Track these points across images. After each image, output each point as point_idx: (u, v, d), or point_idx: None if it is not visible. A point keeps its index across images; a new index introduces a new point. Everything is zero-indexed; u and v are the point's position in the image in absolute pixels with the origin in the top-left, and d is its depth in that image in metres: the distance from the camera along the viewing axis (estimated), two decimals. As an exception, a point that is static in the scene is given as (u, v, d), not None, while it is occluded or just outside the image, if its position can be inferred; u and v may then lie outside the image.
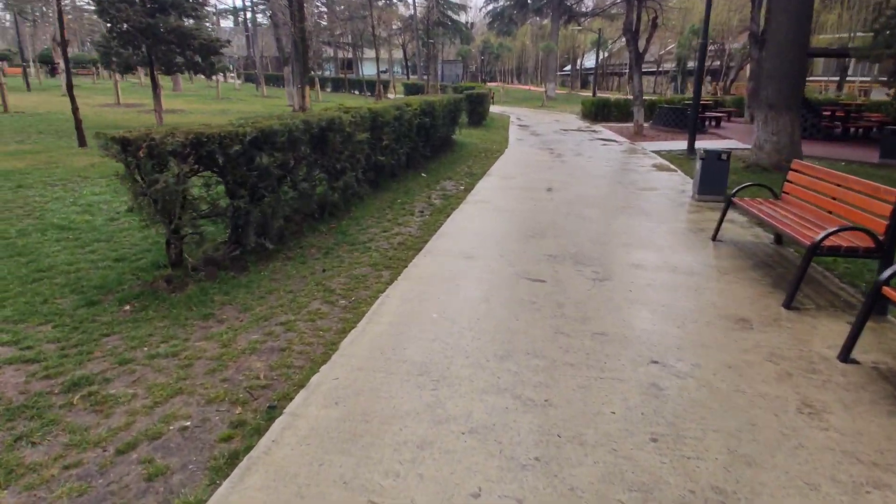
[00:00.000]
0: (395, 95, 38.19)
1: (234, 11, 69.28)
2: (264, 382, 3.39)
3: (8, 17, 56.45)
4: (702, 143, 15.56)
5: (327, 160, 6.86)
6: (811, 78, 37.10)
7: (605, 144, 16.22)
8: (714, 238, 6.62)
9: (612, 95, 31.62)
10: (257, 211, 5.28)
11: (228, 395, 3.25)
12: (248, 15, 62.71)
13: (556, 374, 3.45)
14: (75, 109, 11.47)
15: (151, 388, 3.32)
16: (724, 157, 8.80)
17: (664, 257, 5.86)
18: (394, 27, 52.52)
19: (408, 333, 3.98)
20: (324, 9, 52.71)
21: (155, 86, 16.81)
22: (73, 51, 55.15)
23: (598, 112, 24.25)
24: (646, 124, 20.30)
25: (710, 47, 41.23)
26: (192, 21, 16.72)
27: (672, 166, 12.22)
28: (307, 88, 19.71)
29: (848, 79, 36.47)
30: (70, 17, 38.30)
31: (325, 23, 53.45)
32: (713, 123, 20.49)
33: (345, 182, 7.11)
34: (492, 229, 6.85)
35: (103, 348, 3.80)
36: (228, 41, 17.62)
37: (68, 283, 4.83)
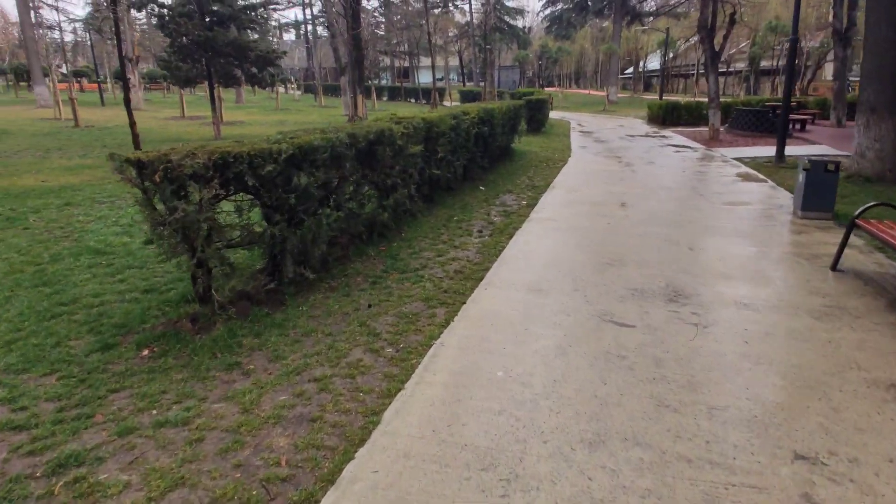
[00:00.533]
0: (451, 103, 37.65)
1: (297, 25, 71.00)
2: (286, 472, 2.65)
3: (88, 35, 59.93)
4: (791, 150, 14.05)
5: (377, 176, 6.17)
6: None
7: (678, 151, 14.92)
8: (834, 267, 5.48)
9: (682, 98, 29.81)
10: (296, 237, 4.63)
11: (239, 490, 2.54)
12: (309, 28, 64.18)
13: (669, 475, 2.54)
14: (132, 124, 11.39)
15: (149, 474, 2.65)
16: (831, 168, 7.56)
17: (778, 293, 4.80)
18: (450, 34, 52.14)
19: (467, 401, 3.17)
20: (381, 19, 53.00)
21: (213, 98, 16.82)
22: (147, 67, 57.89)
23: (667, 116, 22.73)
24: (721, 128, 18.73)
25: (784, 46, 38.50)
26: (250, 33, 16.63)
27: (760, 176, 10.89)
28: (361, 98, 19.34)
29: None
30: (140, 34, 39.98)
31: (381, 32, 53.78)
32: (797, 127, 18.65)
33: (395, 200, 6.40)
34: (562, 254, 5.95)
35: (107, 409, 3.19)
36: (285, 52, 17.47)
37: (88, 321, 4.31)
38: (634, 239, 6.45)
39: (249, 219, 4.47)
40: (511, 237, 6.65)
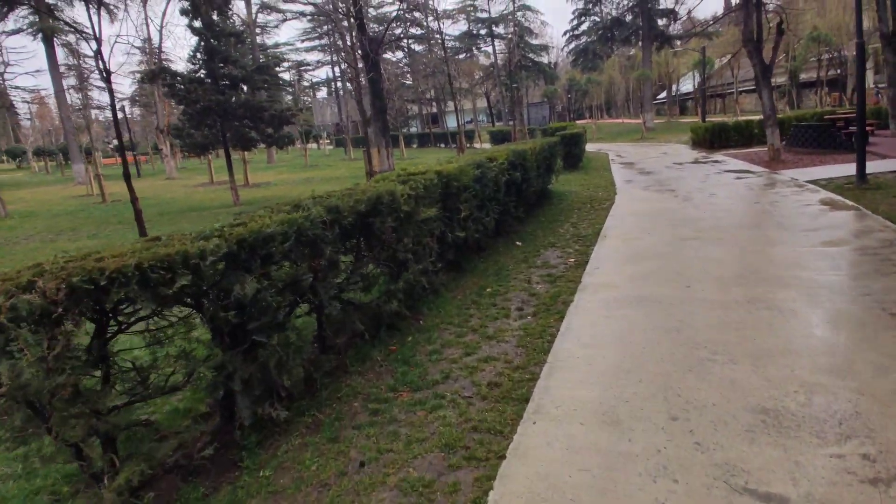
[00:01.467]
0: (481, 145, 36.61)
1: (327, 82, 72.56)
2: None
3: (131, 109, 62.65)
4: (868, 167, 12.01)
5: (379, 254, 4.70)
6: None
7: (739, 178, 13.03)
8: None
9: (728, 118, 27.75)
10: (254, 366, 3.15)
11: None
12: (339, 83, 65.30)
13: None
14: (134, 199, 10.40)
15: None
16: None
17: None
18: (476, 76, 51.71)
19: None
20: (406, 68, 53.20)
21: (230, 163, 16.00)
22: (186, 135, 59.62)
23: (714, 139, 20.79)
24: (779, 147, 16.71)
25: (825, 56, 36.24)
26: (264, 93, 15.89)
27: (848, 202, 8.92)
28: (379, 150, 18.25)
29: None
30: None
31: (408, 82, 53.91)
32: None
33: (408, 280, 4.89)
34: (637, 347, 4.25)
35: None
36: (301, 110, 16.65)
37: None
38: (733, 313, 4.70)
39: (183, 346, 3.02)
40: (562, 318, 5.00)
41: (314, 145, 56.53)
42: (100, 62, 10.87)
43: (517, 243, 8.33)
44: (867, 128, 16.90)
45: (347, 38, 21.99)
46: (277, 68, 62.40)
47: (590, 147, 26.84)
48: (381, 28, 29.46)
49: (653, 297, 5.29)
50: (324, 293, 3.71)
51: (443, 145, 42.34)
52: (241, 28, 36.21)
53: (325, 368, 4.09)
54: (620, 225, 8.94)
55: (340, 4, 21.74)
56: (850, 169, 12.26)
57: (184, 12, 14.39)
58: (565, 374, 3.89)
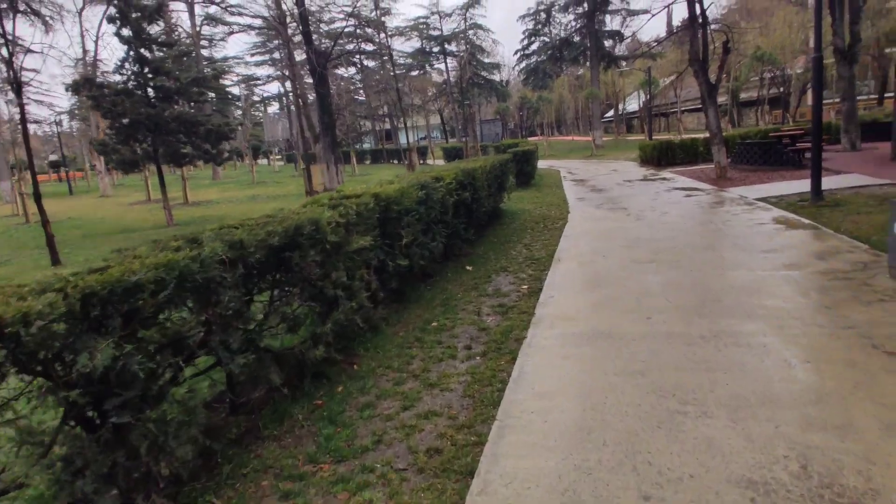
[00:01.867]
0: (434, 161, 36.24)
1: (279, 97, 70.97)
2: None
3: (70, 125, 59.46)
4: (809, 184, 12.12)
5: (305, 291, 4.01)
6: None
7: (689, 195, 12.94)
8: None
9: (673, 136, 28.29)
10: (121, 455, 2.40)
11: None
12: (290, 99, 63.82)
13: None
14: (45, 223, 9.31)
15: None
16: (940, 211, 5.46)
17: None
18: (429, 93, 51.50)
19: None
20: (359, 84, 52.50)
21: (162, 180, 14.88)
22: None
23: (661, 156, 20.99)
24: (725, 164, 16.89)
25: (769, 74, 37.76)
26: (210, 108, 14.88)
27: (804, 220, 8.81)
28: (325, 167, 17.50)
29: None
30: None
31: (361, 97, 53.18)
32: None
33: (337, 321, 4.20)
34: (598, 396, 3.69)
35: None
36: (241, 124, 15.73)
37: None
38: (700, 350, 4.23)
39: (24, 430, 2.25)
40: (514, 359, 4.42)
41: (264, 161, 54.94)
42: (11, 72, 9.80)
43: (467, 268, 7.76)
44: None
45: (296, 52, 21.20)
46: (225, 82, 60.57)
47: (542, 164, 26.80)
48: (331, 42, 28.76)
49: (612, 331, 4.77)
50: (222, 349, 2.99)
51: (396, 161, 41.82)
52: (181, 38, 34.79)
53: (229, 436, 3.35)
54: (574, 246, 8.51)
55: (288, 17, 20.96)
56: (799, 186, 12.35)
57: (111, 20, 13.34)
58: (517, 435, 3.29)
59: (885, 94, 32.13)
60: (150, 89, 14.14)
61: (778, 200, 10.94)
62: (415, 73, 56.71)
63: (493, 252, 8.70)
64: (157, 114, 13.80)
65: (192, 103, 14.81)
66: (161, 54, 14.36)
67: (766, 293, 5.42)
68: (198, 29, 38.33)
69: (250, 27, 39.92)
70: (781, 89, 36.98)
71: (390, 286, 6.00)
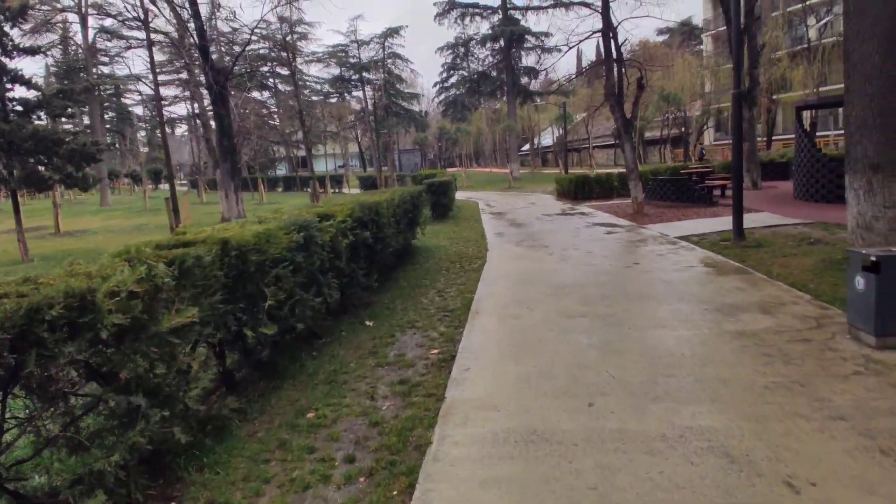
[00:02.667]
0: (349, 190, 34.64)
1: (188, 119, 66.68)
2: None
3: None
4: (725, 220, 11.88)
5: (64, 400, 2.43)
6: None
7: (609, 232, 12.29)
8: None
9: (590, 172, 28.51)
10: None
11: None
12: (198, 121, 59.91)
13: None
14: None
15: None
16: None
17: None
18: (348, 120, 50.00)
19: None
20: (273, 108, 50.16)
21: (17, 207, 12.37)
22: None
23: (578, 190, 20.72)
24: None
25: (670, 116, 39.71)
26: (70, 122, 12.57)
27: (731, 262, 8.19)
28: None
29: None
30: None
31: (276, 122, 50.74)
32: (718, 193, 17.04)
33: (134, 444, 2.63)
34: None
35: None
36: (111, 144, 13.52)
37: None
38: (667, 463, 3.04)
39: None
40: (412, 484, 3.03)
41: (166, 186, 50.78)
42: None
43: (367, 323, 6.32)
44: (721, 181, 17.59)
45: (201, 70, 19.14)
46: (126, 101, 55.86)
47: (460, 195, 26.02)
48: (233, 60, 26.71)
49: (547, 430, 3.50)
50: None
51: (309, 189, 39.62)
52: (77, 51, 31.34)
53: None
54: (494, 294, 7.31)
55: (188, 33, 18.94)
56: (715, 224, 12.04)
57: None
58: None
59: (773, 137, 34.45)
60: (3, 101, 11.74)
61: (700, 239, 10.44)
62: (333, 99, 55.09)
63: (401, 300, 7.33)
64: (10, 130, 11.43)
65: (67, 119, 12.46)
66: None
67: (721, 362, 4.41)
68: (90, 42, 34.80)
69: (151, 43, 36.87)
70: (683, 129, 38.93)
71: (256, 358, 4.48)
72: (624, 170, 17.95)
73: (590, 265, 8.68)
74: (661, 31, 56.01)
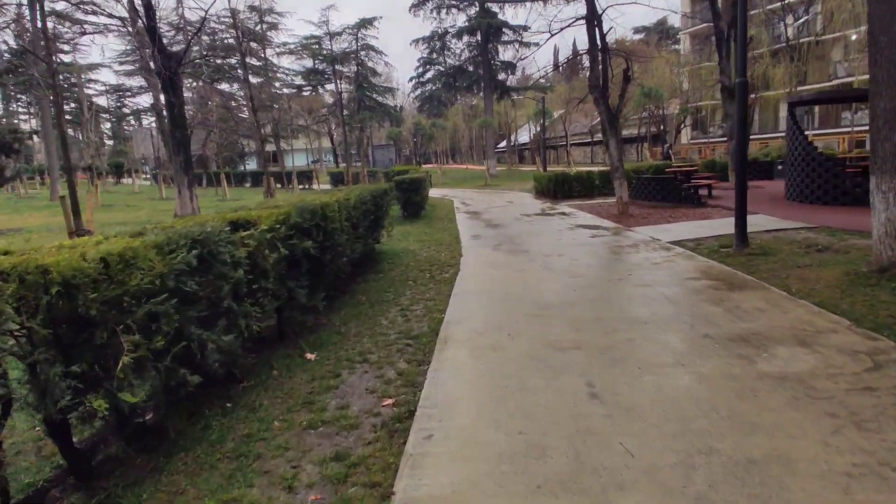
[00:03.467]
0: (319, 186, 33.04)
1: (152, 109, 63.77)
2: None
3: None
4: (722, 223, 10.85)
5: None
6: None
7: (594, 235, 11.14)
8: None
9: (569, 169, 27.45)
10: None
11: None
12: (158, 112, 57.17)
13: None
14: None
15: None
16: None
17: None
18: (321, 113, 48.10)
19: None
20: (243, 101, 47.98)
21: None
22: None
23: (557, 189, 19.60)
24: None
25: (647, 113, 38.99)
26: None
27: (739, 273, 7.08)
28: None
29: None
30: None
31: (245, 115, 48.58)
32: (706, 192, 16.08)
33: None
34: None
35: None
36: (34, 132, 11.85)
37: None
38: None
39: None
40: None
41: (129, 180, 48.26)
42: None
43: (308, 355, 4.98)
44: (707, 181, 16.60)
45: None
46: (89, 91, 53.06)
47: (435, 192, 24.71)
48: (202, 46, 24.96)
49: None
50: None
51: (279, 185, 37.64)
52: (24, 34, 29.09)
53: None
54: (468, 314, 6.04)
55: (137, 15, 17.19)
56: (708, 227, 10.99)
57: None
58: None
59: (750, 136, 33.96)
60: None
61: (696, 245, 9.34)
62: (306, 92, 53.08)
63: (356, 322, 6.01)
64: None
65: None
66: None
67: (774, 428, 3.21)
68: (48, 26, 32.36)
69: (107, 28, 34.59)
70: (662, 127, 38.26)
71: (136, 424, 3.14)
72: (604, 168, 16.92)
73: (577, 276, 7.48)
74: (637, 30, 55.52)
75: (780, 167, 20.43)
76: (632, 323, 5.36)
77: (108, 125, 73.43)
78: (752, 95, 30.58)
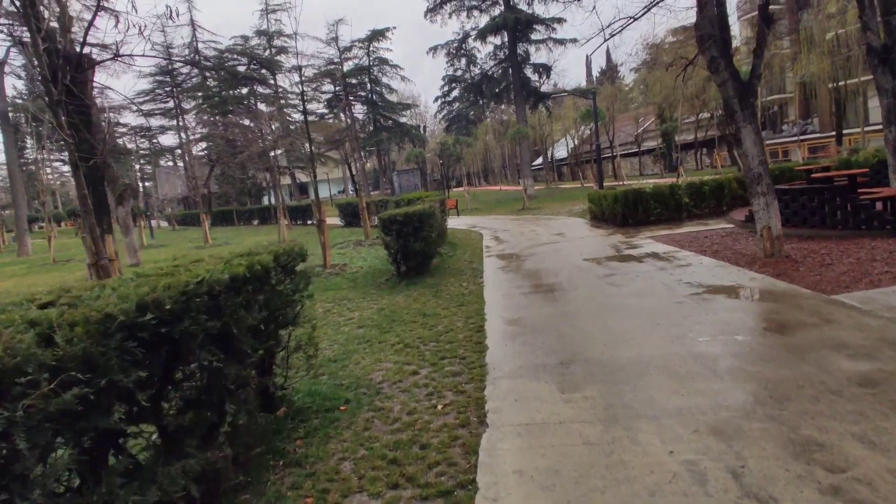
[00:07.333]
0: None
1: (182, 149, 60.86)
2: None
3: None
4: None
5: None
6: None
7: (769, 316, 5.07)
8: None
9: (643, 185, 21.25)
10: None
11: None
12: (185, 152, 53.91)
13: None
14: None
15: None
16: None
17: None
18: (333, 137, 43.40)
19: None
20: (258, 132, 43.82)
21: None
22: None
23: (628, 213, 13.49)
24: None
25: (692, 118, 32.42)
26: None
27: None
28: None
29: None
30: None
31: (262, 145, 44.39)
32: (886, 208, 9.66)
33: None
34: None
35: None
36: None
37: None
38: None
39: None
40: None
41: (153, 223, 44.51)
42: None
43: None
44: (878, 192, 10.17)
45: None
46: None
47: (461, 223, 18.98)
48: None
49: None
50: None
51: (299, 221, 31.94)
52: None
53: None
54: None
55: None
56: None
57: None
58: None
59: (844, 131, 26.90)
60: None
61: None
62: (330, 119, 48.75)
63: None
64: None
65: None
66: None
67: None
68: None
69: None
70: (727, 130, 31.54)
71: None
72: (667, 178, 10.75)
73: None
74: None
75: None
76: None
77: (138, 166, 70.64)
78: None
